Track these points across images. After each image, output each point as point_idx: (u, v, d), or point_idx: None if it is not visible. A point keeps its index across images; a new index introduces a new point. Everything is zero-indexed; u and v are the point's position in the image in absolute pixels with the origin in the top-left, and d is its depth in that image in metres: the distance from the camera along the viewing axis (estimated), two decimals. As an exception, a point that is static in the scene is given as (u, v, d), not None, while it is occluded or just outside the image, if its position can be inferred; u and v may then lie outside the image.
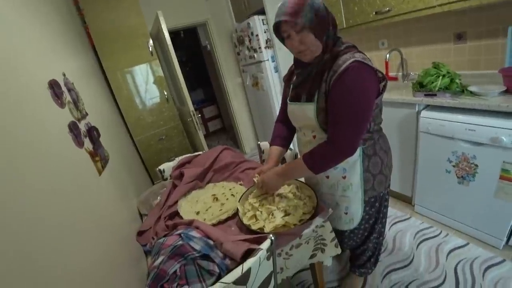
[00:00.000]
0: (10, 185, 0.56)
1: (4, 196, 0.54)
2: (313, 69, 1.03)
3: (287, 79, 1.25)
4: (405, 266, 1.66)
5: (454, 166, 1.67)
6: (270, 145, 1.38)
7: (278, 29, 1.00)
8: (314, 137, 1.14)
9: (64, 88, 1.06)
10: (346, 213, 1.24)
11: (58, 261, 0.63)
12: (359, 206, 1.21)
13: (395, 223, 2.02)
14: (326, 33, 0.97)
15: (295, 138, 1.39)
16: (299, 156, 1.14)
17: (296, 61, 1.11)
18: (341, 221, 1.27)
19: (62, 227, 0.69)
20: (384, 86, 1.03)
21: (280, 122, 1.38)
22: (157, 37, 2.56)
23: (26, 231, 0.56)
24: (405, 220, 2.04)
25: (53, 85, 0.95)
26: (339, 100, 0.95)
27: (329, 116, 1.00)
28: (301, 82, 1.10)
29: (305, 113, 1.09)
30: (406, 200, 2.19)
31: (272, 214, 1.13)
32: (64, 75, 1.13)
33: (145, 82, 2.61)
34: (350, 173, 1.14)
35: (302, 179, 1.35)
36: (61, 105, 0.97)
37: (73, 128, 0.99)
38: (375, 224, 1.31)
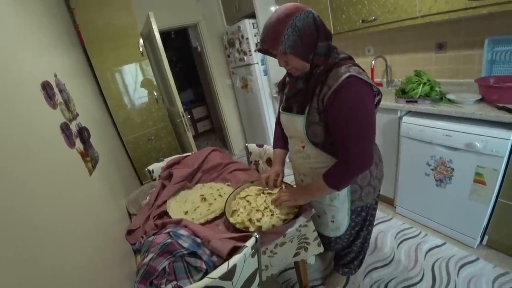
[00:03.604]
0: (2, 185, 0.58)
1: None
2: (305, 83, 1.02)
3: (281, 88, 1.25)
4: (386, 265, 1.74)
5: (432, 169, 1.75)
6: (274, 148, 1.39)
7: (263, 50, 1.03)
8: (303, 147, 1.14)
9: (56, 89, 1.07)
10: (333, 221, 1.27)
11: (52, 261, 0.66)
12: (345, 216, 1.23)
13: (377, 224, 2.09)
14: (314, 52, 0.94)
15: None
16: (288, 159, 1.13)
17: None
18: (328, 228, 1.30)
19: (55, 227, 0.72)
20: (379, 101, 1.03)
21: (278, 124, 1.38)
22: (148, 37, 2.57)
23: (20, 231, 0.58)
24: (387, 221, 2.12)
25: (46, 87, 0.97)
26: (340, 119, 0.92)
27: (334, 136, 0.98)
28: (293, 94, 1.09)
29: (294, 125, 1.09)
30: (389, 202, 2.28)
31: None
32: (55, 75, 1.14)
33: (135, 82, 2.61)
34: None
35: (289, 179, 1.40)
36: (53, 106, 0.99)
37: (65, 129, 1.01)
38: (361, 231, 1.34)
